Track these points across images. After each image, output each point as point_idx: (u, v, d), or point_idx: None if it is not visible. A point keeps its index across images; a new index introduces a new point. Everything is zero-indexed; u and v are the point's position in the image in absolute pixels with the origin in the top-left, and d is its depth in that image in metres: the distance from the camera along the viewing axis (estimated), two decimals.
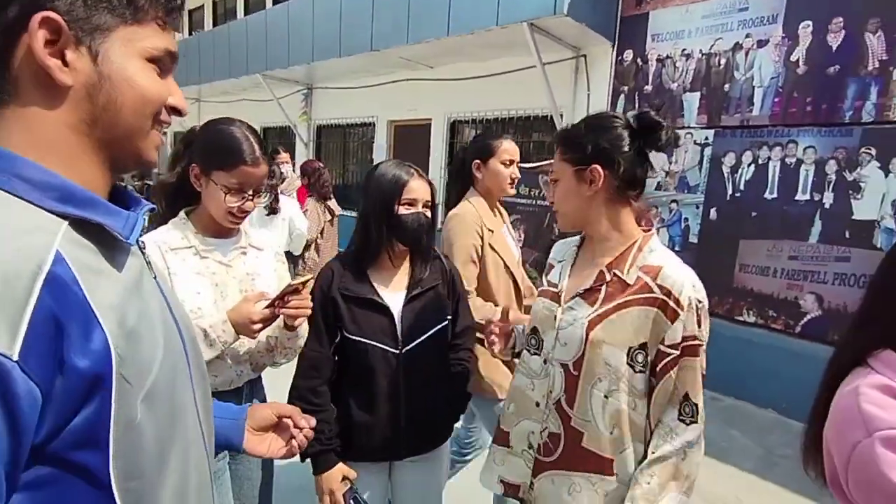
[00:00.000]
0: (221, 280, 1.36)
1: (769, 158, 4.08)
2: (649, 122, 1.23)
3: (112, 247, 0.59)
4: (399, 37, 5.75)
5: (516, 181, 2.07)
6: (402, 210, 1.44)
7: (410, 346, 1.49)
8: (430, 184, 1.51)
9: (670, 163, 4.60)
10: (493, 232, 1.96)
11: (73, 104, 0.57)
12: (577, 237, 1.39)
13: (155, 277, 0.69)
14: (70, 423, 0.50)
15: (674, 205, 4.58)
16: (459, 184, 2.13)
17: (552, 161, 1.34)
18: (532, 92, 5.34)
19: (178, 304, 0.75)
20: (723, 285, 4.27)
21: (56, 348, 0.49)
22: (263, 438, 0.96)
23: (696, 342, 1.14)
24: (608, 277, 1.21)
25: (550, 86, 5.01)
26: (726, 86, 4.28)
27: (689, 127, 4.48)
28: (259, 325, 1.28)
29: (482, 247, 1.92)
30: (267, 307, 1.28)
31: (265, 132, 10.30)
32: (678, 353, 1.14)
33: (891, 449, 0.70)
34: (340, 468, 1.45)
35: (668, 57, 4.61)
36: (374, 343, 1.45)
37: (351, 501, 1.42)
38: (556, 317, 1.27)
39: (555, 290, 1.32)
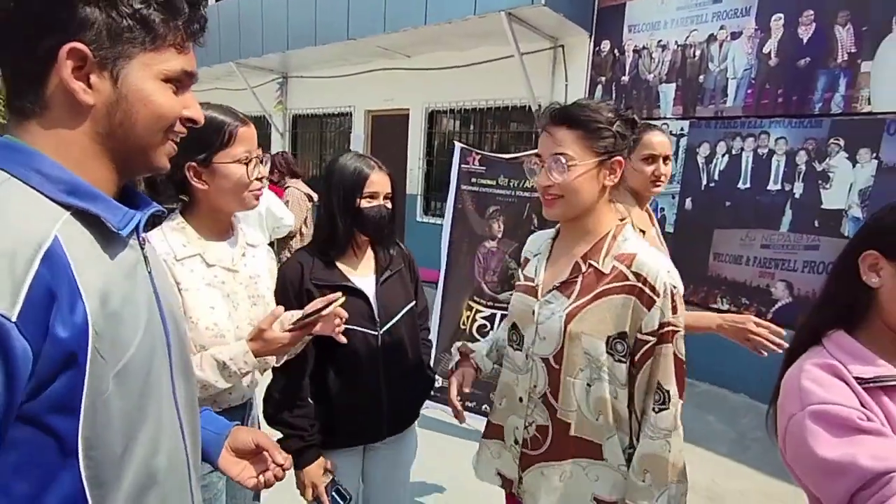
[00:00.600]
0: (231, 289, 1.30)
1: (742, 149, 4.15)
2: (633, 121, 1.23)
3: (108, 237, 0.65)
4: (376, 25, 5.67)
5: (662, 180, 1.77)
6: (365, 203, 1.47)
7: (387, 326, 1.55)
8: (390, 175, 1.54)
9: None
10: (644, 233, 1.73)
11: (94, 119, 0.65)
12: (552, 230, 1.38)
13: (150, 271, 0.74)
14: (48, 388, 0.57)
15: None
16: None
17: (534, 152, 1.28)
18: (510, 82, 5.34)
19: (169, 297, 0.79)
20: (698, 274, 4.35)
21: (46, 316, 0.56)
22: (238, 462, 0.98)
23: (671, 328, 1.14)
24: (584, 268, 1.21)
25: (528, 76, 5.02)
26: (701, 77, 4.34)
27: (664, 118, 4.53)
28: (290, 345, 1.24)
29: None
30: (297, 326, 1.22)
31: None
32: (655, 340, 1.14)
33: (817, 422, 0.73)
34: (320, 462, 1.47)
35: (644, 48, 4.65)
36: (354, 327, 1.47)
37: (333, 493, 1.45)
38: (534, 311, 1.26)
39: (531, 284, 1.31)
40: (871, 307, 0.84)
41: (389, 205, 1.52)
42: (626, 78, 4.78)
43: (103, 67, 0.63)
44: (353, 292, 1.48)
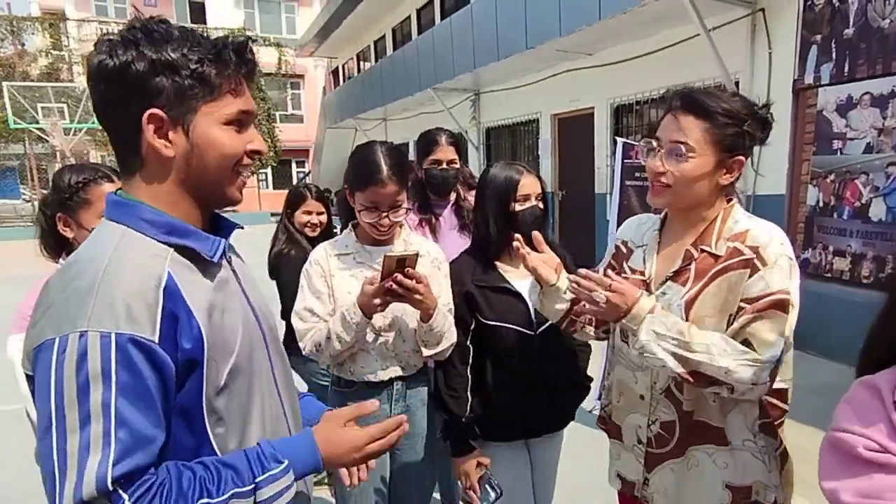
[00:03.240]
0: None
1: None
2: (766, 121, 1.16)
3: (203, 263, 0.82)
4: (552, 30, 5.72)
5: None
6: (518, 206, 1.57)
7: (544, 327, 1.58)
8: (539, 178, 1.62)
9: (884, 118, 3.77)
10: None
11: (176, 168, 0.80)
12: (651, 217, 1.33)
13: (239, 281, 0.90)
14: (182, 389, 0.75)
15: (892, 168, 3.74)
16: None
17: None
18: (700, 62, 4.85)
19: (260, 300, 0.95)
20: None
21: (175, 335, 0.73)
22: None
23: (781, 297, 1.06)
24: (696, 255, 1.16)
25: (720, 52, 4.50)
26: None
27: None
28: (377, 300, 1.39)
29: None
30: (380, 284, 1.38)
31: None
32: (758, 305, 1.07)
33: (826, 449, 0.62)
34: (476, 454, 1.57)
35: None
36: (512, 326, 1.57)
37: (486, 486, 1.53)
38: None
39: (641, 278, 1.25)
40: None
41: (542, 205, 1.60)
42: (849, 31, 3.95)
43: (176, 124, 0.78)
44: (510, 293, 1.58)
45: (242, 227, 0.94)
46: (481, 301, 1.57)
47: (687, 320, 1.13)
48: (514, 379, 1.59)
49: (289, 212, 2.37)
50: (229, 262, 0.90)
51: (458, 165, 2.26)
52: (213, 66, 0.78)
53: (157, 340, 0.71)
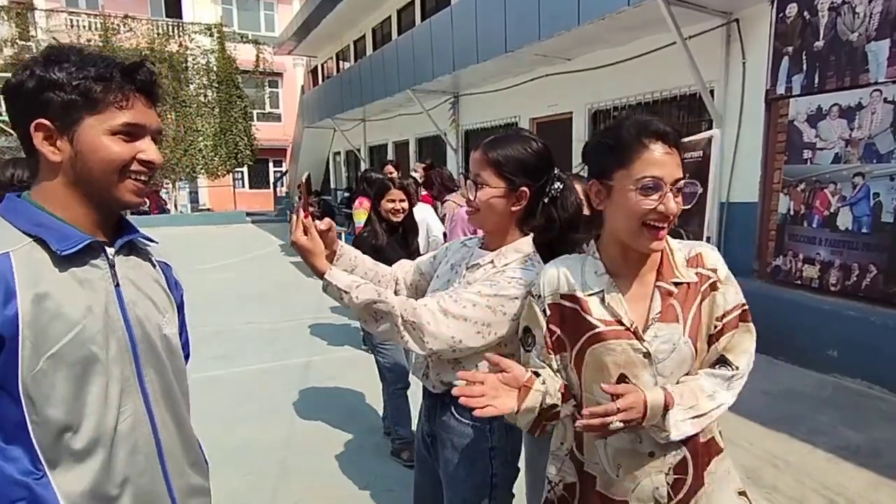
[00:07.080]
0: (457, 276, 1.53)
1: None
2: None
3: (63, 256, 0.87)
4: (530, 34, 5.75)
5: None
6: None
7: None
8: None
9: (851, 129, 3.88)
10: None
11: (63, 172, 0.90)
12: (573, 259, 1.23)
13: (117, 285, 0.94)
14: None
15: (858, 179, 3.86)
16: None
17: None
18: (676, 70, 4.93)
19: (143, 310, 0.98)
20: None
21: None
22: None
23: (744, 308, 1.15)
24: (673, 290, 1.13)
25: (695, 60, 4.58)
26: None
27: (876, 83, 3.75)
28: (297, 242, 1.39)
29: None
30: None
31: (419, 142, 11.01)
32: (730, 322, 1.14)
33: None
34: None
35: (844, 3, 3.91)
36: None
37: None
38: (647, 353, 1.11)
39: (623, 327, 1.13)
40: None
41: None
42: (819, 43, 4.07)
43: (63, 133, 0.87)
44: None
45: (155, 241, 1.06)
46: None
47: (696, 353, 1.13)
48: None
49: (376, 201, 2.92)
50: (111, 266, 0.94)
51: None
52: (97, 83, 0.87)
53: None
